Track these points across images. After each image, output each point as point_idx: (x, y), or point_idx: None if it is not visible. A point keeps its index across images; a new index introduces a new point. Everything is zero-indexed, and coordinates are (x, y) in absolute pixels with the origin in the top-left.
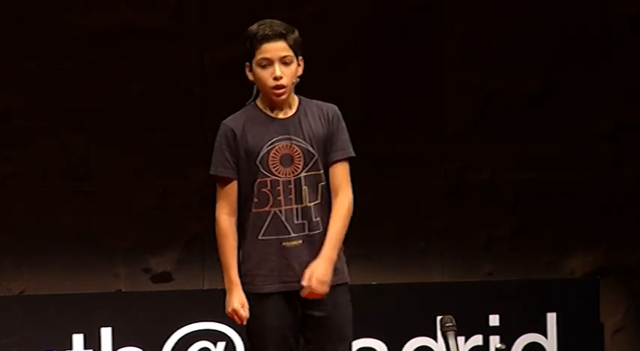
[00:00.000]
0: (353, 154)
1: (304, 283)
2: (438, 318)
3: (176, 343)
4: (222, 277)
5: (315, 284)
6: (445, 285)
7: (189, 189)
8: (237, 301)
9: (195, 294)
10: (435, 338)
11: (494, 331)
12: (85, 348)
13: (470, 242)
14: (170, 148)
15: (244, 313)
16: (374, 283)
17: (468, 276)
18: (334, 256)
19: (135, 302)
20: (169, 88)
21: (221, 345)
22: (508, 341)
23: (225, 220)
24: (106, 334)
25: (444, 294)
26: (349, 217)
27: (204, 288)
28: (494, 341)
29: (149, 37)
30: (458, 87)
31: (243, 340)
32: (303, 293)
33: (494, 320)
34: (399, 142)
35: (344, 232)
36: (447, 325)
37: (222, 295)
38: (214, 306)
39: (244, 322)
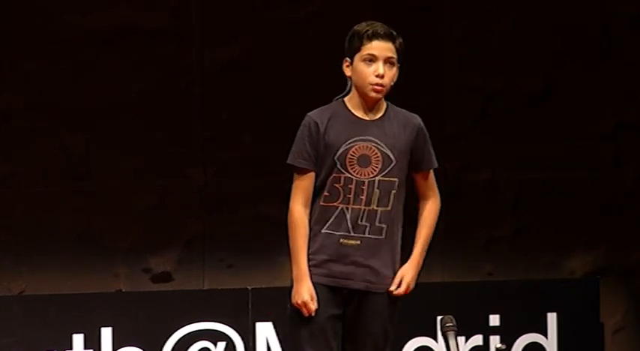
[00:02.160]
0: (437, 165)
1: (393, 287)
2: (438, 318)
3: (176, 343)
4: (290, 267)
5: (403, 290)
6: (445, 285)
7: (189, 189)
8: (307, 292)
9: (195, 294)
10: (435, 338)
11: (494, 331)
12: (85, 348)
13: (470, 242)
14: (170, 148)
15: (313, 306)
16: None
17: (468, 276)
18: (421, 262)
19: (135, 302)
20: (169, 88)
21: (221, 345)
22: (508, 341)
23: (300, 210)
24: (106, 334)
25: (444, 294)
26: (435, 221)
27: (204, 288)
28: (495, 341)
29: (149, 37)
30: (458, 87)
31: (243, 339)
32: (394, 293)
33: (494, 320)
34: None
35: (430, 236)
36: (448, 325)
37: (221, 294)
38: (214, 306)
39: (312, 313)
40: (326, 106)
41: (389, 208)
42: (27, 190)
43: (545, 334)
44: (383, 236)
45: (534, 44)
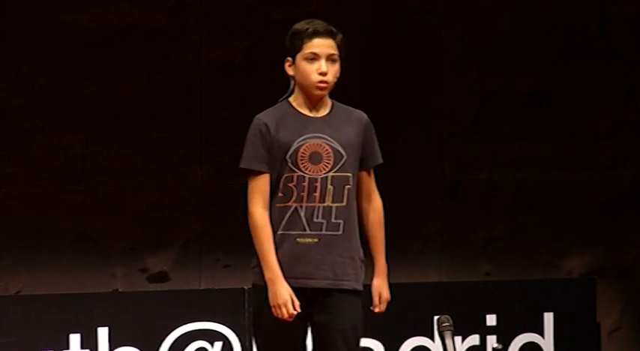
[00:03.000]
0: (381, 161)
1: (376, 309)
2: (435, 318)
3: (173, 343)
4: (260, 271)
5: (384, 308)
6: (442, 285)
7: (187, 189)
8: (287, 292)
9: (192, 294)
10: (432, 338)
11: (491, 330)
12: (81, 348)
13: (467, 242)
14: (168, 148)
15: (291, 308)
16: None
17: (466, 276)
18: (386, 269)
19: (132, 302)
20: (168, 88)
21: (218, 345)
22: (505, 341)
23: (261, 213)
24: (102, 334)
25: (441, 294)
26: (384, 224)
27: (201, 288)
28: (492, 341)
29: (148, 37)
30: (456, 87)
31: (240, 339)
32: (374, 313)
33: (491, 320)
34: (397, 141)
35: (384, 240)
36: (444, 324)
37: (218, 294)
38: (211, 306)
39: (291, 318)
40: (272, 108)
41: (344, 203)
42: (25, 190)
43: (542, 334)
44: (340, 232)
45: (533, 44)
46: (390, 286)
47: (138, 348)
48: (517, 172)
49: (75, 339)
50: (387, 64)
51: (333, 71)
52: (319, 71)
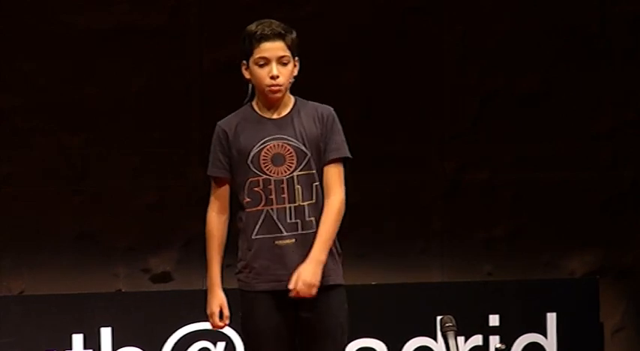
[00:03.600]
0: (347, 155)
1: (291, 286)
2: (438, 318)
3: (176, 343)
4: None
5: (300, 287)
6: (445, 285)
7: (188, 189)
8: (216, 304)
9: (194, 294)
10: (434, 338)
11: (494, 331)
12: (84, 348)
13: (469, 242)
14: (169, 148)
15: (217, 320)
16: (373, 283)
17: (468, 276)
18: (323, 258)
19: (134, 302)
20: (168, 88)
21: (221, 345)
22: (508, 341)
23: (213, 217)
24: (105, 334)
25: (443, 294)
26: (340, 219)
27: (204, 288)
28: (494, 341)
29: (148, 37)
30: (457, 87)
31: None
32: (291, 295)
33: (494, 320)
34: (397, 142)
35: (334, 234)
36: (447, 325)
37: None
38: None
39: (221, 327)
40: (235, 112)
41: (314, 200)
42: (26, 190)
43: (545, 334)
44: (314, 229)
45: (533, 44)
46: (393, 286)
47: (141, 348)
48: (517, 172)
49: (78, 339)
50: (387, 64)
51: (285, 73)
52: (270, 75)
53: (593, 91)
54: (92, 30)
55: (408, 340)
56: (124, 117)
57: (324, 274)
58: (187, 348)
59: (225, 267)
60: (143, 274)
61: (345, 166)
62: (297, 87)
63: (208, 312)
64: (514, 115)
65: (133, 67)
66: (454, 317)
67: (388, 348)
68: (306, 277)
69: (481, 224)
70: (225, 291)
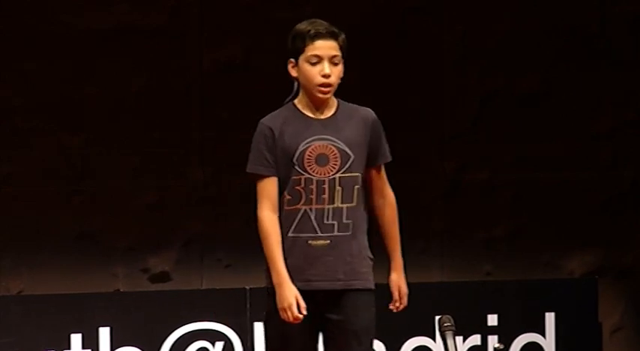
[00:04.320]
0: (391, 158)
1: (396, 304)
2: (437, 318)
3: (174, 343)
4: (269, 275)
5: (405, 301)
6: (444, 285)
7: (188, 189)
8: (292, 296)
9: (193, 294)
10: (433, 338)
11: (492, 330)
12: (83, 348)
13: (468, 242)
14: (169, 148)
15: (296, 311)
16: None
17: (467, 276)
18: (402, 263)
19: (133, 302)
20: (169, 88)
21: (219, 345)
22: (506, 341)
23: (268, 216)
24: (104, 333)
25: (442, 294)
26: (398, 219)
27: (203, 288)
28: (493, 341)
29: (148, 37)
30: (456, 87)
31: (241, 339)
32: (397, 309)
33: (492, 320)
34: (397, 141)
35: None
36: (446, 324)
37: (220, 294)
38: (212, 306)
39: (297, 321)
40: (277, 110)
41: (354, 203)
42: (26, 190)
43: (544, 334)
44: (350, 232)
45: (533, 44)
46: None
47: (139, 348)
48: (517, 172)
49: (76, 339)
50: (387, 64)
51: (336, 73)
52: (322, 73)
53: (593, 91)
54: (92, 30)
55: (406, 339)
56: (124, 117)
57: (355, 277)
58: (186, 348)
59: (224, 266)
60: (142, 274)
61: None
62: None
63: (285, 305)
64: (514, 115)
65: (133, 67)
66: (453, 317)
67: (387, 347)
68: (405, 289)
69: (481, 224)
70: (225, 291)
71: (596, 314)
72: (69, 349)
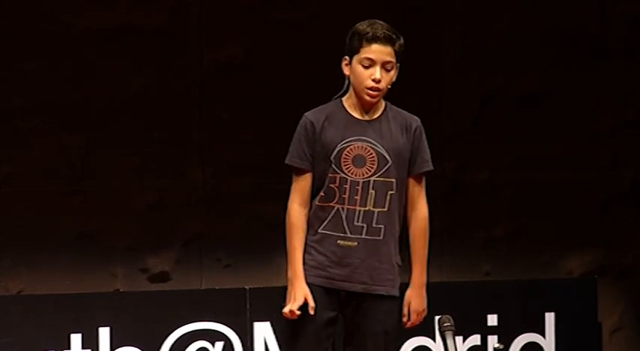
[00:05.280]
0: (432, 168)
1: (404, 319)
2: (436, 318)
3: (174, 343)
4: (286, 270)
5: (413, 318)
6: (443, 285)
7: (187, 189)
8: (301, 295)
9: (192, 294)
10: (433, 338)
11: (492, 330)
12: (82, 348)
13: (468, 242)
14: (169, 147)
15: (296, 311)
16: None
17: (467, 276)
18: (424, 280)
19: (133, 302)
20: (169, 88)
21: (219, 345)
22: (506, 341)
23: (297, 210)
24: (104, 333)
25: (442, 294)
26: (428, 234)
27: (202, 288)
28: (493, 341)
29: (148, 37)
30: (456, 87)
31: (241, 339)
32: (407, 327)
33: (492, 320)
34: None
35: (427, 251)
36: (445, 324)
37: (219, 294)
38: (212, 306)
39: (295, 316)
40: (323, 105)
41: (386, 209)
42: (26, 190)
43: (543, 334)
44: (381, 237)
45: (533, 44)
46: None
47: (139, 348)
48: (517, 172)
49: (76, 339)
50: None
51: (387, 79)
52: (373, 77)
53: (593, 91)
54: (92, 30)
55: (406, 339)
56: (124, 117)
57: (380, 282)
58: (185, 348)
59: (224, 266)
60: (141, 274)
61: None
62: (298, 87)
63: (293, 303)
64: (514, 115)
65: (133, 67)
66: (452, 317)
67: None
68: (416, 306)
69: (481, 224)
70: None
71: (596, 314)
72: (69, 349)
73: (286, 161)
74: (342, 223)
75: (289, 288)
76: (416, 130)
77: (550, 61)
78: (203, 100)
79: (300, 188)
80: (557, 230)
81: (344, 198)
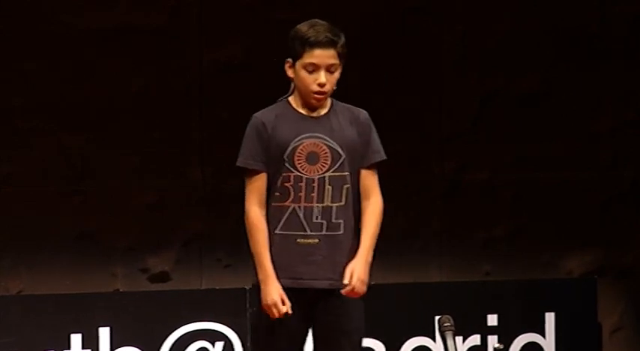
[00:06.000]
0: (385, 157)
1: (346, 281)
2: (436, 318)
3: (174, 343)
4: (255, 271)
5: (356, 282)
6: (443, 285)
7: (187, 189)
8: (277, 293)
9: (192, 294)
10: (433, 338)
11: (492, 331)
12: (82, 348)
13: (468, 242)
14: (169, 148)
15: (283, 307)
16: (372, 283)
17: (467, 276)
18: (370, 258)
19: (133, 302)
20: (168, 88)
21: (219, 345)
22: (506, 341)
23: (256, 211)
24: (104, 333)
25: (442, 294)
26: (380, 219)
27: (202, 288)
28: (493, 341)
29: (148, 37)
30: (456, 87)
31: (241, 339)
32: (345, 291)
33: (492, 320)
34: (397, 141)
35: (376, 234)
36: (445, 325)
37: (219, 294)
38: (212, 306)
39: (282, 316)
40: (271, 106)
41: (343, 203)
42: (26, 190)
43: (543, 334)
44: (341, 232)
45: (533, 44)
46: (392, 286)
47: (139, 348)
48: (517, 172)
49: (76, 339)
50: (387, 64)
51: (332, 81)
52: (318, 82)
53: (593, 91)
54: (92, 30)
55: (406, 340)
56: (124, 117)
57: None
58: (186, 348)
59: (224, 266)
60: (141, 274)
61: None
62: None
63: (269, 302)
64: (514, 115)
65: (133, 67)
66: (452, 317)
67: (386, 348)
68: (360, 273)
69: (481, 224)
70: (224, 291)
71: (596, 314)
72: (69, 349)
73: (238, 163)
74: (301, 222)
75: (263, 288)
76: (364, 122)
77: (550, 61)
78: (203, 100)
79: (256, 189)
80: (557, 230)
81: (300, 196)
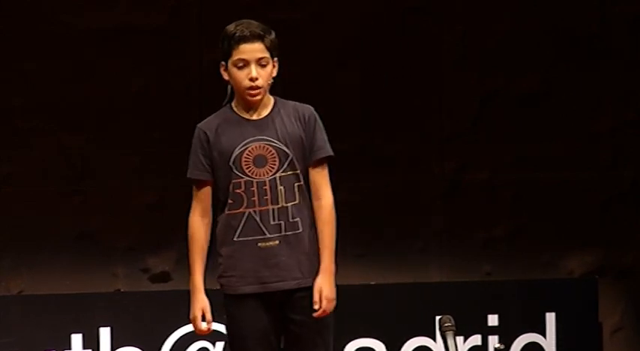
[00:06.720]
0: (331, 153)
1: (316, 306)
2: (437, 318)
3: (175, 343)
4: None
5: (325, 304)
6: (444, 285)
7: (188, 189)
8: (198, 308)
9: None
10: (433, 338)
11: (493, 331)
12: (83, 348)
13: (468, 242)
14: (169, 148)
15: (200, 324)
16: (372, 283)
17: (467, 276)
18: (333, 266)
19: (133, 302)
20: (168, 88)
21: (220, 345)
22: (507, 341)
23: (196, 221)
24: (104, 334)
25: (442, 294)
26: (334, 221)
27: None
28: (493, 341)
29: (148, 37)
30: (456, 87)
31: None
32: (317, 315)
33: (492, 320)
34: (397, 141)
35: (334, 238)
36: (446, 325)
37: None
38: (213, 306)
39: (204, 332)
40: (215, 113)
41: (297, 201)
42: (26, 190)
43: (544, 334)
44: (300, 230)
45: (533, 44)
46: (392, 286)
47: (140, 348)
48: (517, 172)
49: (77, 339)
50: (387, 64)
51: (264, 75)
52: (249, 77)
53: (593, 91)
54: (92, 30)
55: (407, 340)
56: (124, 117)
57: (312, 274)
58: (186, 348)
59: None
60: (142, 274)
61: (328, 165)
62: (298, 87)
63: (191, 317)
64: (514, 115)
65: (133, 67)
66: (453, 317)
67: (387, 348)
68: (327, 293)
69: (481, 224)
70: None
71: (596, 314)
72: (69, 349)
73: (188, 175)
74: (259, 226)
75: (191, 300)
76: (309, 118)
77: (550, 61)
78: (203, 100)
79: (201, 199)
80: (557, 230)
81: (254, 201)
